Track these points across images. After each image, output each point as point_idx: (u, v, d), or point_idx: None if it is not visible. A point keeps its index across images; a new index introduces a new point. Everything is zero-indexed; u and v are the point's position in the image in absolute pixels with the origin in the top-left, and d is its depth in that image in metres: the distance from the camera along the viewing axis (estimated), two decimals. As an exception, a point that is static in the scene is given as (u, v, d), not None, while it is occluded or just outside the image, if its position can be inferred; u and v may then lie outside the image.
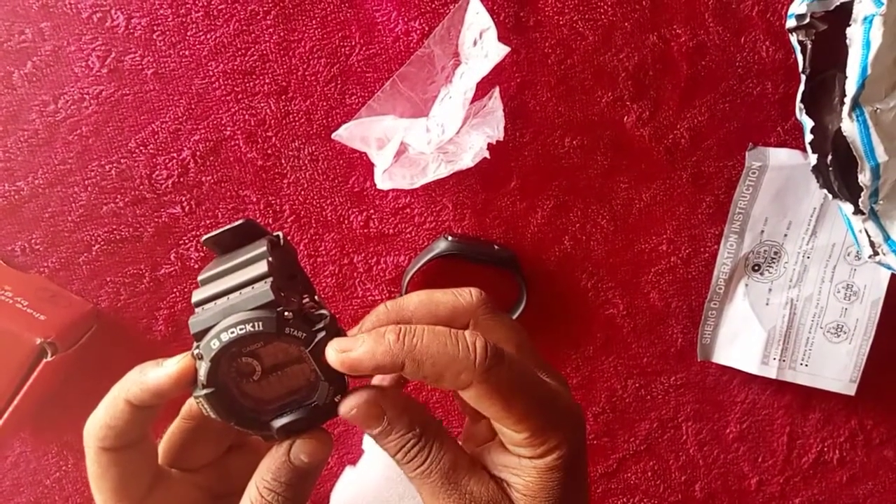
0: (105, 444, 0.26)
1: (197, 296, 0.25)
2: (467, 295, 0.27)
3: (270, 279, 0.24)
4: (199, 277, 0.25)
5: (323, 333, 0.23)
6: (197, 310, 0.24)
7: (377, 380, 0.30)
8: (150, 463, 0.27)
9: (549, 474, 0.25)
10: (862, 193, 0.43)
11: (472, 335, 0.24)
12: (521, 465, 0.25)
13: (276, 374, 0.24)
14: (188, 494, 0.28)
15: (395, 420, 0.25)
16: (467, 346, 0.24)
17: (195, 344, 0.24)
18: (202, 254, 0.49)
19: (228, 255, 0.26)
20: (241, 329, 0.23)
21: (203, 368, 0.23)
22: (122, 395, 0.26)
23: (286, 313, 0.23)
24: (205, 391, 0.24)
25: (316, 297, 0.26)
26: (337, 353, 0.24)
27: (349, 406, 0.25)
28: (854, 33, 0.41)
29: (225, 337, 0.23)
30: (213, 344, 0.23)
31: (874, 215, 0.44)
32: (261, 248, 0.25)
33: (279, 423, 0.24)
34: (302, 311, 0.24)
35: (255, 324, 0.23)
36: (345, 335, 0.25)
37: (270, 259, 0.24)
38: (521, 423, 0.24)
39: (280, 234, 0.27)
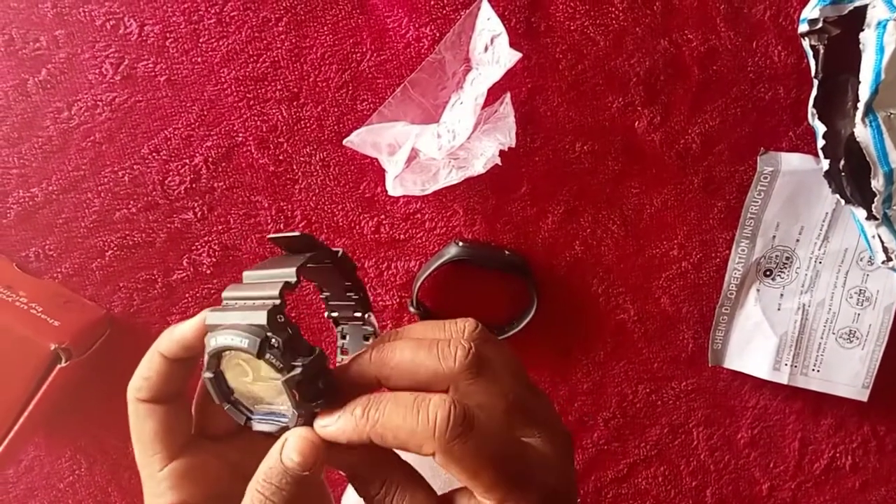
0: (140, 394, 0.28)
1: (228, 291, 0.26)
2: (450, 359, 0.25)
3: (275, 303, 0.24)
4: (244, 273, 0.27)
5: (299, 370, 0.24)
6: (223, 302, 0.26)
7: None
8: (182, 423, 0.29)
9: None
10: (875, 199, 0.43)
11: (435, 406, 0.23)
12: None
13: (265, 382, 0.25)
14: (217, 467, 0.29)
15: (356, 468, 0.26)
16: (427, 419, 0.23)
17: (208, 333, 0.26)
18: (214, 259, 0.49)
19: (276, 261, 0.28)
20: (230, 339, 0.24)
21: (206, 356, 0.25)
22: (156, 349, 0.28)
23: (273, 340, 0.24)
24: (206, 373, 0.26)
25: (367, 315, 0.28)
26: (318, 427, 0.25)
27: (308, 455, 0.25)
28: (868, 38, 0.41)
29: (220, 340, 0.24)
30: (211, 342, 0.25)
31: (887, 221, 0.44)
32: (295, 265, 0.26)
33: (255, 426, 0.26)
34: (291, 342, 0.24)
35: (243, 340, 0.24)
36: (328, 373, 0.25)
37: (292, 281, 0.25)
38: (489, 492, 0.24)
39: (340, 250, 0.28)
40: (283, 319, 0.24)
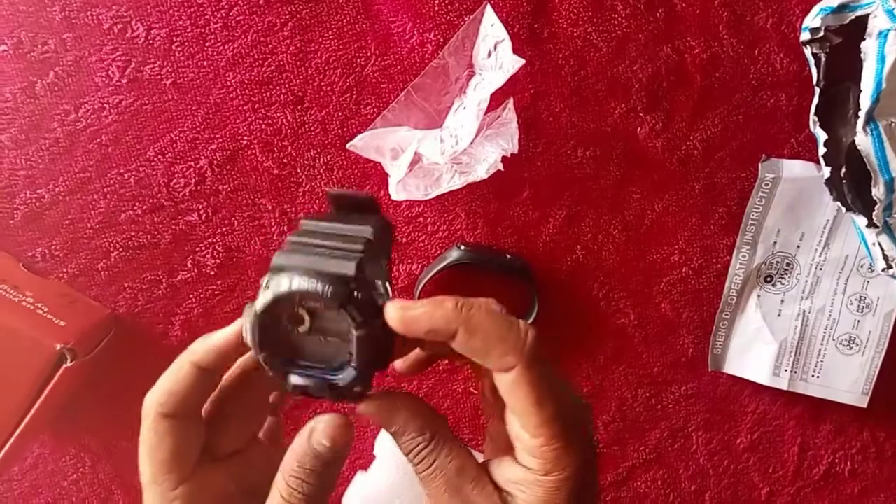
0: (166, 409, 0.27)
1: (293, 237, 0.25)
2: (523, 336, 0.25)
3: (361, 256, 0.24)
4: (304, 221, 0.26)
5: (378, 323, 0.24)
6: (287, 246, 0.25)
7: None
8: (198, 439, 0.28)
9: (553, 494, 0.25)
10: (876, 207, 0.43)
11: (525, 324, 0.25)
12: (526, 480, 0.25)
13: (318, 337, 0.25)
14: (225, 485, 0.29)
15: (409, 422, 0.26)
16: (519, 331, 0.24)
17: (268, 274, 0.25)
18: (218, 260, 0.49)
19: (340, 216, 0.27)
20: (311, 284, 0.23)
21: (264, 297, 0.24)
22: (187, 359, 0.27)
23: (357, 293, 0.24)
24: (256, 309, 0.24)
25: (388, 285, 0.27)
26: (397, 308, 0.24)
27: (369, 405, 0.26)
28: (869, 48, 0.41)
29: (295, 284, 0.24)
30: (282, 283, 0.24)
31: (888, 229, 0.44)
32: (369, 224, 0.26)
33: (294, 380, 0.25)
34: (371, 298, 0.24)
35: (327, 287, 0.23)
36: (394, 335, 0.25)
37: (371, 238, 0.25)
38: (543, 426, 0.24)
39: (390, 220, 0.28)
40: (365, 274, 0.24)
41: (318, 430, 0.25)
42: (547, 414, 0.24)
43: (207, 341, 0.27)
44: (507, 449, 0.27)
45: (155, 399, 0.27)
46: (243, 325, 0.25)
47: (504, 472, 0.26)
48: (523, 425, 0.25)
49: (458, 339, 0.24)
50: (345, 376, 0.25)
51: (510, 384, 0.24)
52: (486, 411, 0.30)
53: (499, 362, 0.24)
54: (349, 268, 0.24)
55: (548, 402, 0.24)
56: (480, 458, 0.28)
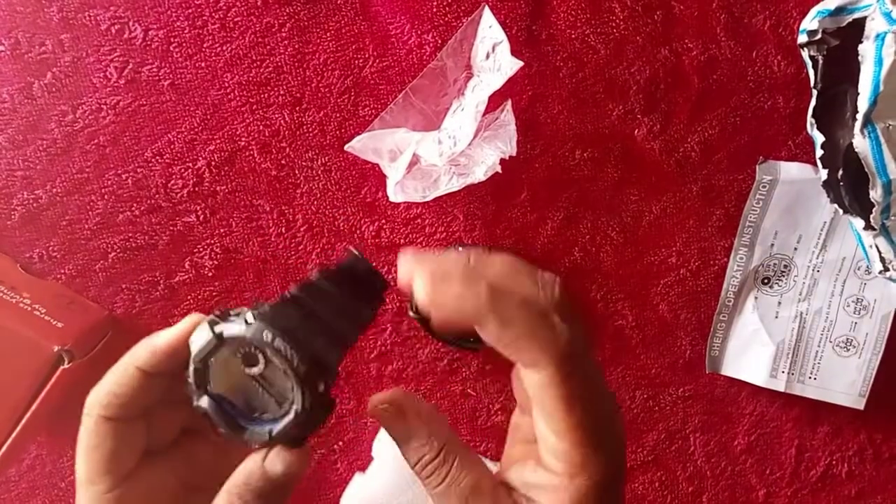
0: (108, 412, 0.25)
1: (296, 290, 0.25)
2: (549, 290, 0.24)
3: (348, 345, 0.25)
4: (317, 277, 0.26)
5: (320, 403, 0.24)
6: (287, 297, 0.25)
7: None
8: (140, 441, 0.27)
9: (579, 500, 0.23)
10: (874, 209, 0.43)
11: (551, 276, 0.23)
12: (551, 484, 0.24)
13: (255, 382, 0.24)
14: (165, 480, 0.28)
15: (417, 429, 0.25)
16: (552, 329, 0.22)
17: (253, 309, 0.24)
18: (216, 262, 0.49)
19: (349, 283, 0.27)
20: (288, 350, 0.23)
21: (235, 328, 0.24)
22: (131, 362, 0.25)
23: (323, 382, 0.23)
24: (220, 332, 0.24)
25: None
26: (427, 281, 0.23)
27: (376, 408, 0.25)
28: (867, 50, 0.42)
29: (276, 341, 0.23)
30: (264, 332, 0.23)
31: (885, 231, 0.44)
32: (371, 307, 0.27)
33: (203, 403, 0.24)
34: (328, 385, 0.24)
35: (300, 364, 0.23)
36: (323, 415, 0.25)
37: (366, 324, 0.26)
38: (571, 431, 0.23)
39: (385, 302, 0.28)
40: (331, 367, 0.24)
41: (274, 453, 0.24)
42: (576, 418, 0.23)
43: (151, 344, 0.25)
44: (531, 441, 0.26)
45: (96, 400, 0.26)
46: (194, 336, 0.24)
47: (526, 476, 0.25)
48: (550, 427, 0.23)
49: (489, 329, 0.22)
50: (257, 431, 0.24)
51: (538, 384, 0.23)
52: (517, 397, 0.29)
53: (529, 359, 0.23)
54: (332, 358, 0.24)
55: (578, 405, 0.22)
56: (489, 463, 0.27)
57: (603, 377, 0.25)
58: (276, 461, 0.24)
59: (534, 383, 0.23)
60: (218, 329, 0.24)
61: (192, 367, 0.24)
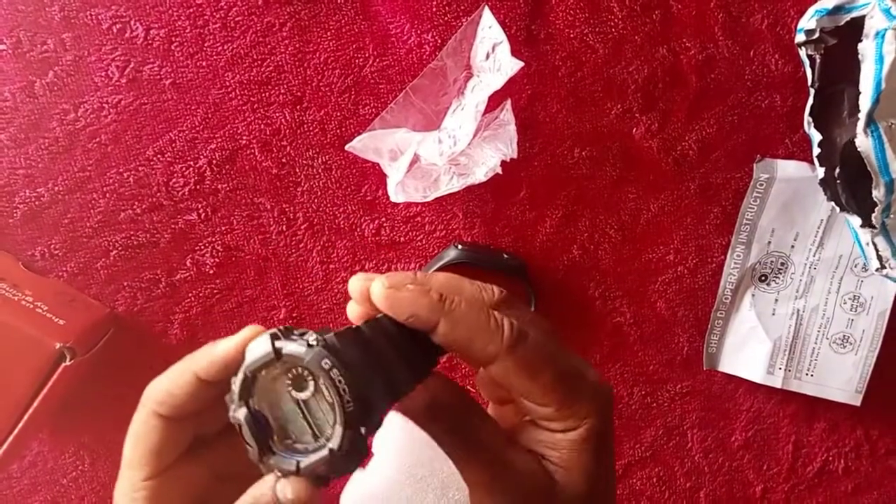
0: (161, 409, 0.26)
1: (366, 326, 0.25)
2: (490, 292, 0.28)
3: (403, 395, 0.25)
4: (385, 320, 0.26)
5: (356, 448, 0.23)
6: (358, 331, 0.25)
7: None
8: (186, 440, 0.28)
9: (582, 445, 0.25)
10: (875, 209, 0.43)
11: (500, 315, 0.25)
12: (553, 438, 0.26)
13: (298, 407, 0.24)
14: (201, 473, 0.28)
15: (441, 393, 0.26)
16: (496, 321, 0.25)
17: (318, 333, 0.23)
18: (217, 259, 0.50)
19: (416, 332, 0.27)
20: (341, 384, 0.23)
21: (295, 348, 0.23)
22: (190, 367, 0.26)
23: (366, 428, 0.23)
24: (278, 348, 0.23)
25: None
26: (384, 286, 0.25)
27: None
28: (867, 48, 0.42)
29: (333, 371, 0.23)
30: (323, 360, 0.23)
31: (884, 229, 0.45)
32: (429, 363, 0.27)
33: (240, 415, 0.24)
34: (369, 432, 0.24)
35: (350, 402, 0.23)
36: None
37: (424, 379, 0.26)
38: (547, 395, 0.25)
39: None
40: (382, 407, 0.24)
41: (285, 480, 0.24)
42: (545, 383, 0.25)
43: (211, 353, 0.26)
44: (512, 422, 0.28)
45: (152, 396, 0.26)
46: (252, 345, 0.24)
47: (530, 435, 0.27)
48: (529, 400, 0.25)
49: (442, 329, 0.25)
50: (286, 460, 0.24)
51: (500, 372, 0.25)
52: (484, 393, 0.31)
53: (481, 353, 0.25)
54: (381, 405, 0.23)
55: (542, 373, 0.25)
56: None
57: (558, 341, 0.28)
58: (287, 489, 0.24)
59: (497, 374, 0.25)
60: (278, 344, 0.23)
61: (241, 376, 0.24)
